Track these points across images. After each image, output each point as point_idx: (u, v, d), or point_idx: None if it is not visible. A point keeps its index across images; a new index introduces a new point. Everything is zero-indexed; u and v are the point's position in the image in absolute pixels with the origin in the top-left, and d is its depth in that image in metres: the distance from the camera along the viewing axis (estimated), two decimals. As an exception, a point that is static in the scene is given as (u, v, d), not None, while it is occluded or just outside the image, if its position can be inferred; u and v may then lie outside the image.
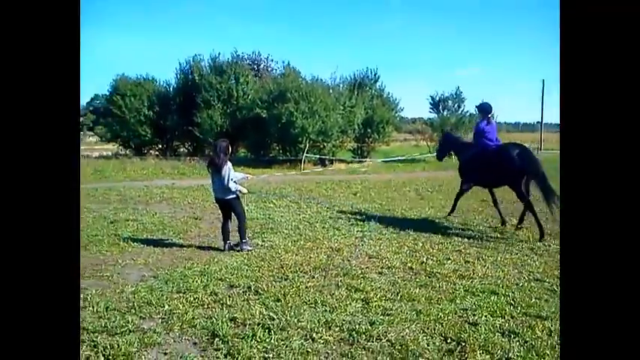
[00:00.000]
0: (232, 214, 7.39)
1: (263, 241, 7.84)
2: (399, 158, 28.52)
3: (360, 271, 5.99)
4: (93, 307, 4.63)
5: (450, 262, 6.50)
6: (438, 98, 34.92)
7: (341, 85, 30.88)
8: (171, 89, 32.74)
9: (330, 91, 28.40)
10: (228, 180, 7.07)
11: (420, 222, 9.54)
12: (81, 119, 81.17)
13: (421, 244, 7.51)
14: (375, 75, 32.98)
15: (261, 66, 41.67)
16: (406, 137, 47.43)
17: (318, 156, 26.03)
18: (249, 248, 7.21)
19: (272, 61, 41.86)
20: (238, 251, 7.12)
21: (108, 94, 34.28)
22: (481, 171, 8.63)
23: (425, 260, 6.55)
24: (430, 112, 35.82)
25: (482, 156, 8.57)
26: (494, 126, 8.90)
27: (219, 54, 30.71)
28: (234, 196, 7.28)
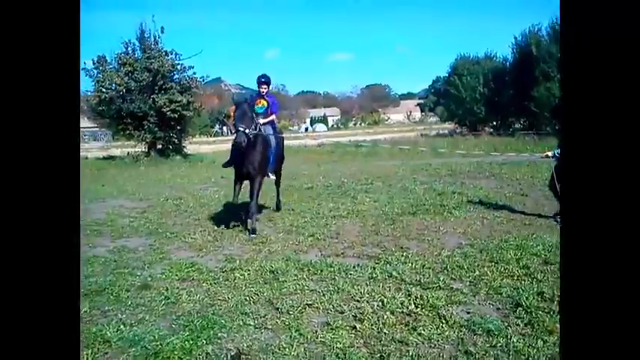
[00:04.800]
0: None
1: (594, 222, 7.10)
2: None
3: None
4: (412, 264, 5.32)
5: None
6: None
7: None
8: (507, 64, 32.01)
9: None
10: None
11: None
12: (422, 101, 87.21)
13: None
14: None
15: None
16: None
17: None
18: None
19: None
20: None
21: (447, 75, 36.16)
22: None
23: None
24: None
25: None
26: None
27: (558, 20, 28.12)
28: None
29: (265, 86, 8.00)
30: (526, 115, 28.59)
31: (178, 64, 22.92)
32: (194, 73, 23.31)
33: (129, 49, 22.57)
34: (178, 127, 23.26)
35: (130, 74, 21.74)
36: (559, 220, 7.12)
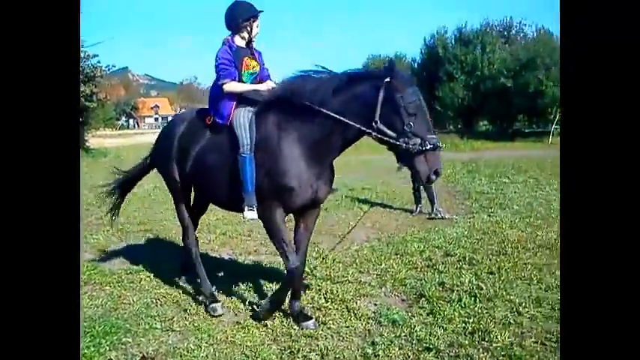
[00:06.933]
0: None
1: (489, 215, 7.68)
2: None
3: (593, 254, 5.40)
4: (323, 259, 5.43)
5: None
6: None
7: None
8: (416, 65, 33.49)
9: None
10: None
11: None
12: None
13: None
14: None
15: (512, 32, 38.83)
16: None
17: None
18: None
19: (525, 25, 38.54)
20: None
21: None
22: None
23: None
24: None
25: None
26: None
27: (465, 24, 30.01)
28: None
29: (256, 22, 3.95)
30: (431, 114, 30.16)
31: (81, 51, 21.45)
32: (98, 62, 22.00)
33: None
34: (80, 119, 21.81)
35: (24, 61, 20.00)
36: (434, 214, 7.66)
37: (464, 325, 3.72)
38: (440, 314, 3.91)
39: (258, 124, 3.71)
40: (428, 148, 3.29)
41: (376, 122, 3.37)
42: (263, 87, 3.89)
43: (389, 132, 3.37)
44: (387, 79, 3.33)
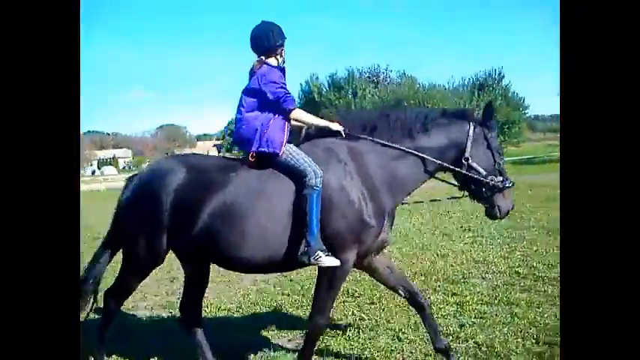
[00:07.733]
0: None
1: (370, 248, 8.05)
2: (526, 158, 26.92)
3: (461, 276, 5.92)
4: (208, 308, 5.26)
5: (563, 266, 6.09)
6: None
7: (461, 89, 30.09)
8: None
9: (449, 95, 27.85)
10: None
11: (542, 225, 8.96)
12: (219, 142, 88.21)
13: (535, 249, 7.12)
14: (499, 74, 31.59)
15: (381, 77, 42.06)
16: (542, 137, 45.55)
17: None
18: None
19: (391, 71, 42.00)
20: None
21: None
22: None
23: (535, 265, 6.22)
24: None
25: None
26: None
27: (336, 71, 31.96)
28: None
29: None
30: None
31: None
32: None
33: None
34: None
35: None
36: None
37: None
38: (327, 349, 3.99)
39: (316, 156, 3.31)
40: (509, 185, 3.46)
41: (467, 159, 3.41)
42: (334, 126, 3.46)
43: (480, 169, 3.42)
44: (479, 119, 3.50)
